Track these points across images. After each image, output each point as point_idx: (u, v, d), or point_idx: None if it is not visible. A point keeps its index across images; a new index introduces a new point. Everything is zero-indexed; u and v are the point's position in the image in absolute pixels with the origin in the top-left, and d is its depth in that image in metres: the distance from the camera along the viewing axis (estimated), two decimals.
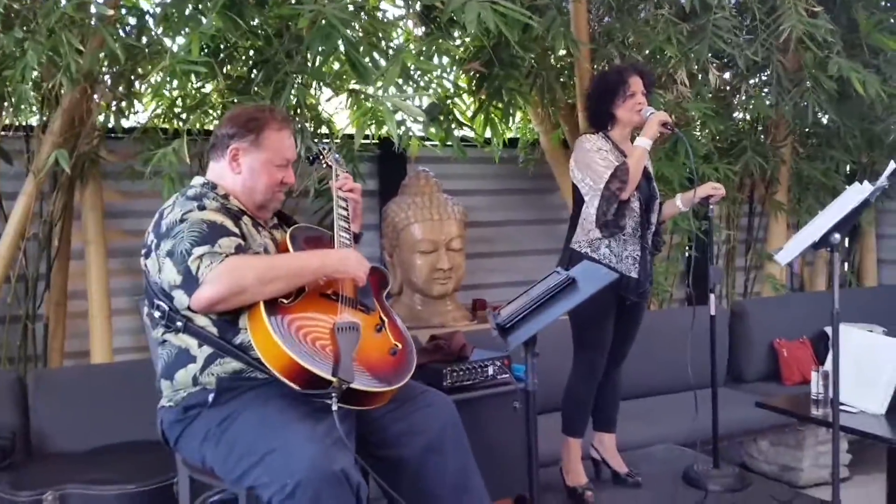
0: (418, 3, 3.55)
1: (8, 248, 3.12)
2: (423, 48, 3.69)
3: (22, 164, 3.36)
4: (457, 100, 4.20)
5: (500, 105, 4.04)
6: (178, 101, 3.34)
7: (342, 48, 2.81)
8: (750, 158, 4.54)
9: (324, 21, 2.66)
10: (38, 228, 3.41)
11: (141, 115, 3.54)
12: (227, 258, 1.87)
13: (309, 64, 3.05)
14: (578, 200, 2.99)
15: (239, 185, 2.12)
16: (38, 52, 2.72)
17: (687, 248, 4.63)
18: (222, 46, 3.08)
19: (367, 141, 4.25)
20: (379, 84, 2.88)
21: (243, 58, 3.16)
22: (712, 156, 4.43)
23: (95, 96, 3.23)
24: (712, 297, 3.03)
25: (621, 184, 2.79)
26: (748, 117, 4.96)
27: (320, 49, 2.81)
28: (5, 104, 3.03)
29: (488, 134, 4.22)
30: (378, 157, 4.46)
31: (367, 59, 2.94)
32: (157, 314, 1.98)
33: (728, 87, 4.74)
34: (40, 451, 2.91)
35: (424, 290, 3.94)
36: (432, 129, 3.68)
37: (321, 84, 3.27)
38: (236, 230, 1.98)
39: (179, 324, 1.95)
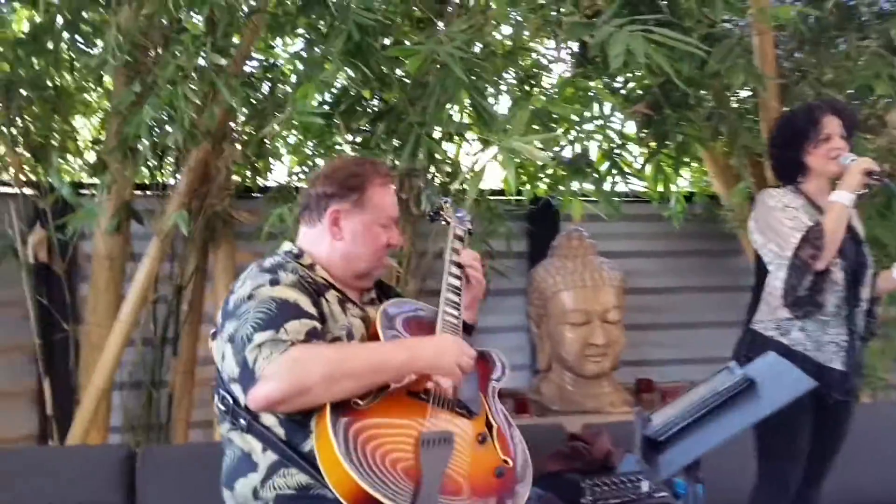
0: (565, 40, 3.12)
1: (131, 311, 2.99)
2: (573, 91, 3.28)
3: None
4: (622, 150, 3.71)
5: (671, 154, 3.49)
6: (314, 159, 3.12)
7: (464, 93, 2.43)
8: None
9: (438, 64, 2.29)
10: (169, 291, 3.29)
11: (278, 173, 3.39)
12: (292, 348, 1.51)
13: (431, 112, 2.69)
14: (761, 269, 2.40)
15: (339, 252, 1.77)
16: (155, 106, 2.58)
17: None
18: (341, 96, 2.82)
19: (516, 197, 3.86)
20: (507, 132, 2.45)
21: (366, 109, 2.87)
22: None
23: (225, 154, 3.06)
24: None
25: (815, 250, 2.18)
26: None
27: (439, 95, 2.46)
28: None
29: (660, 188, 3.68)
30: (528, 216, 4.05)
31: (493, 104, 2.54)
32: (222, 407, 1.66)
33: None
34: None
35: (576, 369, 3.43)
36: (575, 183, 3.19)
37: (453, 134, 2.90)
38: (312, 310, 1.62)
39: (243, 422, 1.60)
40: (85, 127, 3.38)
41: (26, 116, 3.09)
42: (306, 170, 3.20)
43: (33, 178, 3.07)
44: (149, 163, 3.06)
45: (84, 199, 2.93)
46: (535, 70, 3.47)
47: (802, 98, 3.52)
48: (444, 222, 2.07)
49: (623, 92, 3.55)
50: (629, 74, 3.48)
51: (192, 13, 2.71)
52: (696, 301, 4.20)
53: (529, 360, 3.94)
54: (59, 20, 2.84)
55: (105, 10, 2.84)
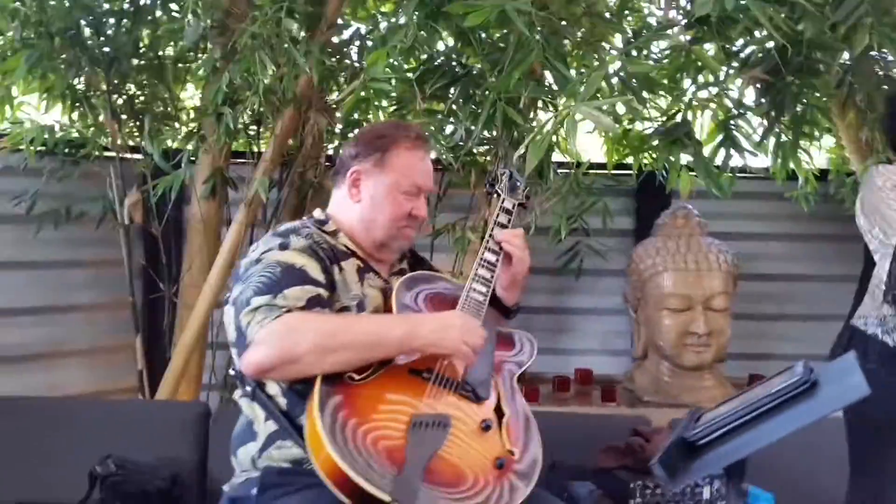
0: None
1: (219, 274, 3.06)
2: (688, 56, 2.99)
3: None
4: (739, 120, 3.37)
5: (790, 126, 3.12)
6: None
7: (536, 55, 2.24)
8: None
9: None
10: None
11: None
12: (287, 315, 1.45)
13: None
14: (869, 257, 2.08)
15: (357, 216, 1.69)
16: (234, 73, 2.59)
17: None
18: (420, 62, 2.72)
19: (622, 172, 3.61)
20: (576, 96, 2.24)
21: (445, 74, 2.74)
22: None
23: (311, 122, 3.05)
24: None
25: None
26: None
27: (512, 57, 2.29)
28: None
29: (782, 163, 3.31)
30: (636, 191, 3.79)
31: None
32: (232, 372, 1.64)
33: None
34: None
35: (673, 358, 3.16)
36: (683, 156, 2.92)
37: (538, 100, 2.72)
38: (320, 277, 1.54)
39: (248, 388, 1.57)
40: (193, 96, 3.50)
41: (130, 85, 3.22)
42: None
43: (131, 143, 3.21)
44: (247, 130, 3.12)
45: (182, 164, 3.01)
46: (643, 32, 3.21)
47: None
48: (495, 195, 1.93)
49: (742, 56, 3.21)
50: (748, 38, 3.15)
51: None
52: (827, 291, 3.76)
53: (630, 345, 3.71)
54: None
55: None
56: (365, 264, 1.68)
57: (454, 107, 2.64)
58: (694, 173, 3.31)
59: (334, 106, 3.10)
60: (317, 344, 1.42)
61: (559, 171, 3.44)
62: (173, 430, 2.77)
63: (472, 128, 2.57)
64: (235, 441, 1.62)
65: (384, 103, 2.73)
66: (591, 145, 3.64)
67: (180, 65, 3.22)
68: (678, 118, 3.07)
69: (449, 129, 2.74)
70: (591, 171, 3.27)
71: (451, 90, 2.66)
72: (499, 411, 1.52)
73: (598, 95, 2.34)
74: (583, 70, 2.84)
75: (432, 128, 2.65)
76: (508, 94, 2.40)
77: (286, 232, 1.63)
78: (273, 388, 1.55)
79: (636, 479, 1.97)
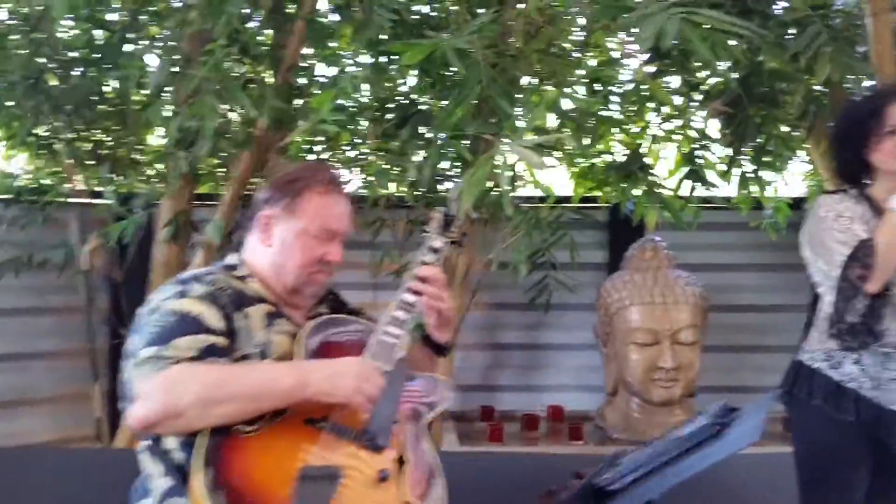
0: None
1: None
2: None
3: None
4: (706, 152, 3.34)
5: (754, 155, 3.10)
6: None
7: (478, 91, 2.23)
8: None
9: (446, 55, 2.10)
10: None
11: None
12: (174, 367, 1.40)
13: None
14: (815, 290, 2.04)
15: (268, 261, 1.66)
16: (184, 118, 2.60)
17: None
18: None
19: (592, 205, 3.59)
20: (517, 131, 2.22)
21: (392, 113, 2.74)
22: None
23: (269, 164, 3.05)
24: None
25: (864, 270, 1.80)
26: None
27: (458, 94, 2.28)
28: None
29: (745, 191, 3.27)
30: (608, 224, 3.76)
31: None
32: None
33: None
34: None
35: (641, 394, 3.10)
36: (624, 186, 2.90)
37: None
38: (218, 325, 1.50)
39: (147, 442, 1.52)
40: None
41: (97, 131, 3.24)
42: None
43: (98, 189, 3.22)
44: (214, 173, 3.13)
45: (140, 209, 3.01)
46: (601, 68, 3.21)
47: None
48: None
49: (704, 88, 3.20)
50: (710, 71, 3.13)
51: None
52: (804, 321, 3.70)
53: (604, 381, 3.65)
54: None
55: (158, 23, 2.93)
56: (276, 309, 1.63)
57: (401, 145, 2.62)
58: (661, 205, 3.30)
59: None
60: (201, 396, 1.37)
61: (524, 205, 3.44)
62: (130, 478, 2.74)
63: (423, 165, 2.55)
64: (132, 496, 1.57)
65: (341, 142, 2.73)
66: (560, 180, 3.63)
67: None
68: (639, 151, 3.04)
69: (407, 166, 2.73)
70: (561, 206, 3.25)
71: (402, 129, 2.65)
72: (401, 460, 1.47)
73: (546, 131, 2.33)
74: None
75: (387, 165, 2.64)
76: (456, 130, 2.39)
77: (188, 279, 1.59)
78: (170, 443, 1.49)
79: None
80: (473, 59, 2.20)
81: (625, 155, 3.05)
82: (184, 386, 1.37)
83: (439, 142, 2.40)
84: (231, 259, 1.70)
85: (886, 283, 1.83)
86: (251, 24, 2.91)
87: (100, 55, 3.05)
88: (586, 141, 2.73)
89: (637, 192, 2.94)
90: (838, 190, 2.03)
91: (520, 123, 2.24)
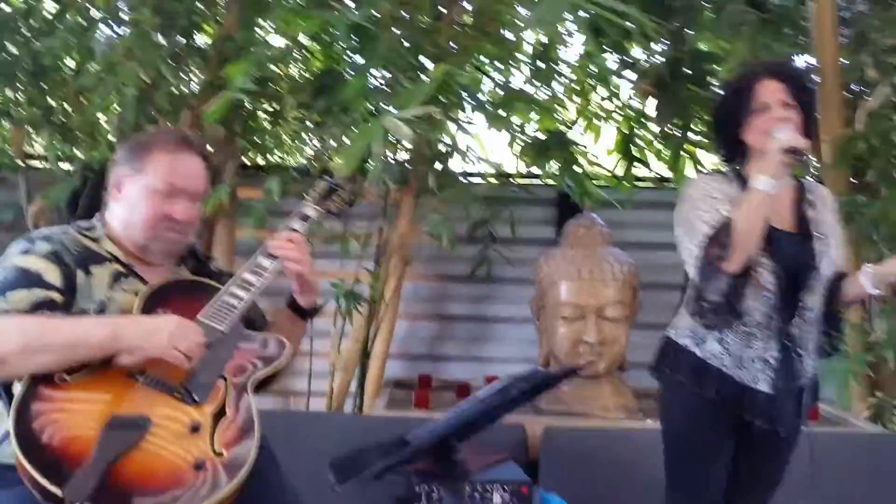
0: None
1: None
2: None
3: None
4: (644, 130, 3.36)
5: (681, 130, 3.12)
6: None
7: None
8: None
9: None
10: None
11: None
12: (2, 317, 1.51)
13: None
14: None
15: (119, 219, 1.74)
16: (109, 85, 2.68)
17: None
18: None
19: (542, 183, 3.62)
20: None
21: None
22: None
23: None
24: None
25: (721, 249, 1.83)
26: None
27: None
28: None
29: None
30: (557, 202, 3.78)
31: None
32: None
33: None
34: None
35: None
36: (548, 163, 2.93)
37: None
38: (56, 282, 1.59)
39: None
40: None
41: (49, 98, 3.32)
42: None
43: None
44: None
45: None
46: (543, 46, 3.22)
47: (861, 69, 3.01)
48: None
49: (639, 67, 3.20)
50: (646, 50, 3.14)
51: None
52: None
53: None
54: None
55: None
56: (127, 269, 1.71)
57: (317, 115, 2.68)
58: (600, 183, 3.33)
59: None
60: (20, 345, 1.47)
61: (467, 179, 3.49)
62: None
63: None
64: None
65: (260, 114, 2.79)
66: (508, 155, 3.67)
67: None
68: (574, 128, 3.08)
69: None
70: (509, 181, 3.30)
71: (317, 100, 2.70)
72: (220, 413, 1.54)
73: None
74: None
75: (304, 136, 2.69)
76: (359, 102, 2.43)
77: (37, 237, 1.67)
78: (17, 388, 1.58)
79: (421, 482, 1.96)
80: (373, 33, 2.23)
81: (547, 131, 3.07)
82: (7, 335, 1.47)
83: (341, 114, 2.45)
84: (90, 221, 1.78)
85: (749, 262, 1.86)
86: None
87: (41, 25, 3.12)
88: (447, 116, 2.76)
89: (555, 166, 2.96)
90: (714, 171, 2.06)
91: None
